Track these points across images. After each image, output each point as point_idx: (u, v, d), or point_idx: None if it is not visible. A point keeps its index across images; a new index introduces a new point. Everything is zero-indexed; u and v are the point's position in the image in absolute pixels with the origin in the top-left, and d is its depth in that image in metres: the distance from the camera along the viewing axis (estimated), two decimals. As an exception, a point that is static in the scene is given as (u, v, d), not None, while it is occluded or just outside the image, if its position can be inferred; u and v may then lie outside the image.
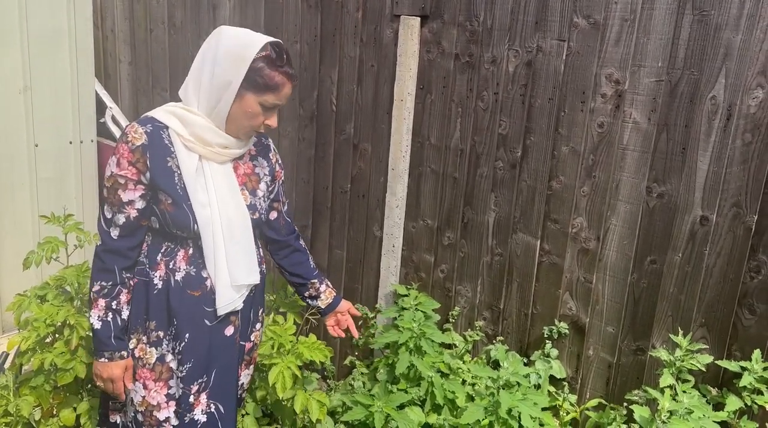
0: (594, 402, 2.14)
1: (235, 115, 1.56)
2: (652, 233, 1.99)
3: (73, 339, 1.98)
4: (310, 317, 2.43)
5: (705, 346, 1.92)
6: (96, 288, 1.60)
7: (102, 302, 1.59)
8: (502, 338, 2.37)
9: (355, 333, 2.02)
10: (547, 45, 2.11)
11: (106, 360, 1.62)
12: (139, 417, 1.69)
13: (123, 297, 1.61)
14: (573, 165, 2.12)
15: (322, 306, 1.96)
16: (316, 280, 1.94)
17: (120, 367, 1.63)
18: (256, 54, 1.51)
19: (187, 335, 1.64)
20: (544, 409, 2.00)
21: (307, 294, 1.96)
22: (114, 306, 1.60)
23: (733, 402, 1.79)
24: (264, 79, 1.53)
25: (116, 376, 1.63)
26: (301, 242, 1.96)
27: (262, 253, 1.82)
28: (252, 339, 1.85)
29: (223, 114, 1.55)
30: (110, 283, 1.59)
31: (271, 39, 1.56)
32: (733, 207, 1.84)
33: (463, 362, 2.31)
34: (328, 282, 2.00)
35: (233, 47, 1.52)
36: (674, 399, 1.78)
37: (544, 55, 2.12)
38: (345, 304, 2.00)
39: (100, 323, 1.60)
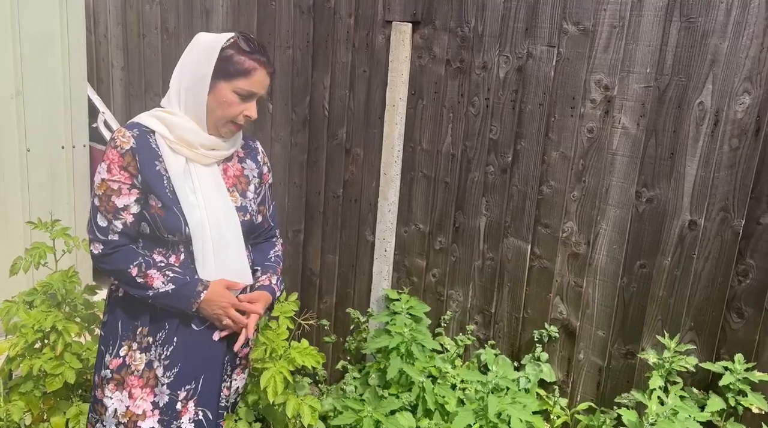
0: (584, 405, 2.15)
1: (211, 108, 1.56)
2: (642, 237, 2.01)
3: (59, 345, 1.97)
4: (303, 322, 2.43)
5: (693, 346, 1.94)
6: (134, 272, 1.54)
7: (153, 272, 1.55)
8: (493, 342, 2.38)
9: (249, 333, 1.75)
10: (538, 51, 2.12)
11: (204, 291, 1.57)
12: None
13: (156, 257, 1.58)
14: (563, 170, 2.13)
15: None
16: (259, 268, 1.79)
17: (220, 285, 1.59)
18: (225, 43, 1.55)
19: (175, 339, 1.63)
20: (534, 413, 2.00)
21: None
22: (162, 265, 1.57)
23: (715, 403, 1.82)
24: (234, 65, 1.54)
25: (225, 297, 1.58)
26: (276, 240, 1.87)
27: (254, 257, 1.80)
28: (248, 343, 1.82)
29: (201, 110, 1.56)
30: (140, 259, 1.56)
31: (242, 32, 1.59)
32: (720, 211, 1.86)
33: (453, 367, 2.31)
34: (273, 277, 1.78)
35: (205, 43, 1.56)
36: (661, 402, 1.79)
37: (535, 61, 2.13)
38: (258, 294, 1.79)
39: (170, 284, 1.55)
